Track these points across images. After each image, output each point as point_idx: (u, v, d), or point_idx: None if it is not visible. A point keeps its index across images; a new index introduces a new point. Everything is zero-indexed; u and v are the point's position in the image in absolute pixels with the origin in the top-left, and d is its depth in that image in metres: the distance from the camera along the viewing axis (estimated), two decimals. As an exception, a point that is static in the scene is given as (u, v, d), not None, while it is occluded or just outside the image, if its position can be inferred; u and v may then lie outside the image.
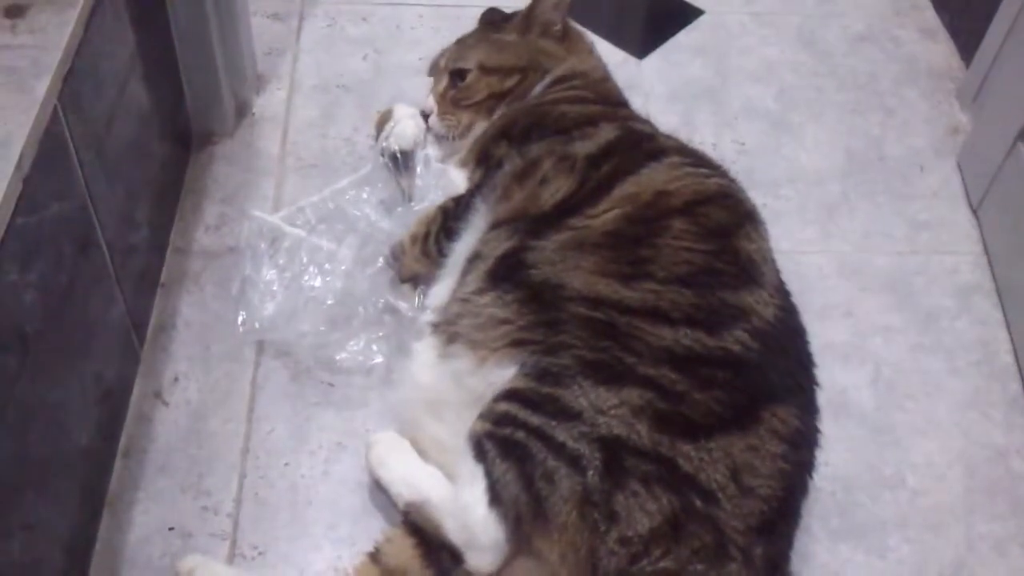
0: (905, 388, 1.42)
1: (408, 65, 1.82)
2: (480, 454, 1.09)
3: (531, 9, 1.52)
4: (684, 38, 1.93)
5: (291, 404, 1.35)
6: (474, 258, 1.28)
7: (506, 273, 1.22)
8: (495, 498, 1.06)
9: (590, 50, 1.59)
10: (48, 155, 1.01)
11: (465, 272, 1.29)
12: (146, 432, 1.31)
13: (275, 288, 1.38)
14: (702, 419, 1.06)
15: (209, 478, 1.27)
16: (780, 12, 1.99)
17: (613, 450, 1.04)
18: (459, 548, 1.10)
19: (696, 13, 1.98)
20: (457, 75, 1.52)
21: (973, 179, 1.66)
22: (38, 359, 1.02)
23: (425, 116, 1.54)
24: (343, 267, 1.39)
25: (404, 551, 1.15)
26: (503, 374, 1.15)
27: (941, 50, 1.93)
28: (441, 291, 1.33)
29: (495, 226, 1.29)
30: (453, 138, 1.52)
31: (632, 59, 1.87)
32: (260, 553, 1.22)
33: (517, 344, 1.15)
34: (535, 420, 1.07)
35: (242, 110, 1.70)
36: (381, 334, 1.37)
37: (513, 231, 1.25)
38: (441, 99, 1.53)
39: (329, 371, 1.37)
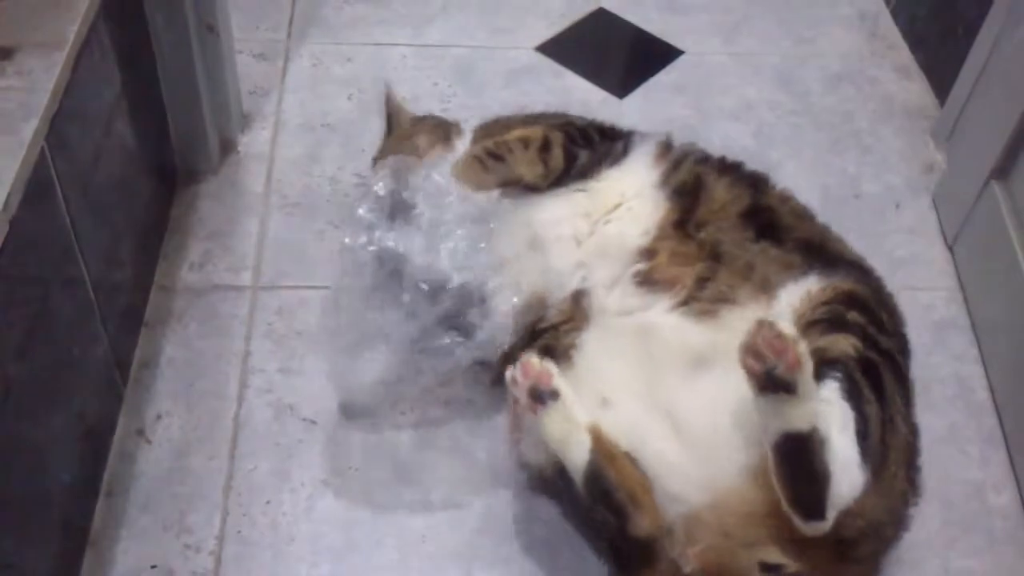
0: (883, 423, 1.44)
1: (392, 104, 1.84)
2: (852, 390, 1.03)
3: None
4: (664, 77, 1.96)
5: (273, 441, 1.35)
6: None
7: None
8: (864, 450, 1.01)
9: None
10: (35, 196, 1.02)
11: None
12: (129, 470, 1.31)
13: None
14: None
15: (191, 516, 1.27)
16: (758, 52, 2.03)
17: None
18: (831, 504, 0.99)
19: (676, 53, 2.01)
20: None
21: (948, 216, 1.69)
22: (21, 397, 1.03)
23: None
24: None
25: None
26: (803, 284, 1.15)
27: (916, 89, 1.97)
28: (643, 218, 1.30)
29: None
30: None
31: (613, 98, 1.90)
32: (242, 591, 1.22)
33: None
34: (885, 342, 1.08)
35: (227, 148, 1.71)
36: None
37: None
38: None
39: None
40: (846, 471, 0.99)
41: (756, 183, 1.34)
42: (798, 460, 0.97)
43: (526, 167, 1.31)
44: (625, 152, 1.36)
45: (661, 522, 1.08)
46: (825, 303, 1.11)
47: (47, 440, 1.13)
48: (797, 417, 0.97)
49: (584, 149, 1.35)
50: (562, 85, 1.92)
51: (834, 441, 0.98)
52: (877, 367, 1.06)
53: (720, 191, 1.29)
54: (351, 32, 2.00)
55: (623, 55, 2.07)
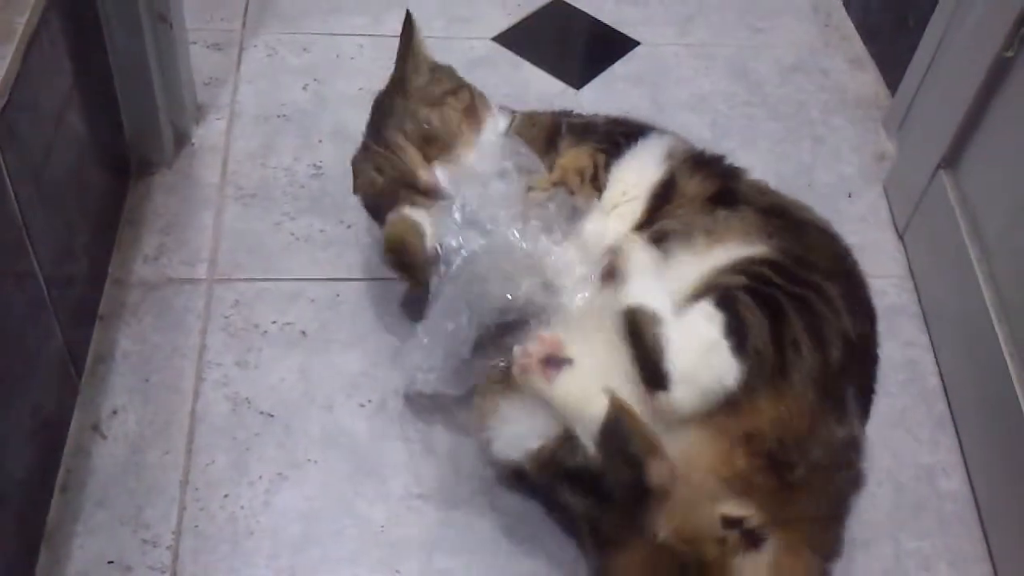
0: (835, 409, 1.46)
1: (349, 95, 1.83)
2: (726, 302, 1.13)
3: None
4: (620, 69, 1.97)
5: (231, 435, 1.35)
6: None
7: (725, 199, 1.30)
8: (740, 343, 1.10)
9: None
10: (-17, 189, 1.01)
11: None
12: (84, 465, 1.30)
13: None
14: None
15: (148, 511, 1.27)
16: (713, 44, 2.04)
17: (853, 346, 1.16)
18: (670, 375, 1.11)
19: (632, 44, 2.02)
20: None
21: (899, 204, 1.71)
22: (-27, 394, 1.02)
23: None
24: None
25: None
26: (747, 249, 1.20)
27: (868, 79, 2.00)
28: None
29: None
30: None
31: (570, 89, 1.91)
32: (200, 585, 1.22)
33: (762, 231, 1.23)
34: (796, 289, 1.14)
35: (181, 140, 1.70)
36: None
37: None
38: None
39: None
40: (702, 352, 1.10)
41: (730, 174, 1.37)
42: (631, 335, 1.14)
43: (584, 200, 1.34)
44: (629, 146, 1.39)
45: (675, 471, 1.12)
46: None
47: (1, 435, 1.12)
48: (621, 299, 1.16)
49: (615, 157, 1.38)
50: (519, 76, 1.93)
51: (672, 323, 1.13)
52: (774, 297, 1.13)
53: (691, 186, 1.32)
54: (307, 21, 1.99)
55: (580, 46, 2.07)
